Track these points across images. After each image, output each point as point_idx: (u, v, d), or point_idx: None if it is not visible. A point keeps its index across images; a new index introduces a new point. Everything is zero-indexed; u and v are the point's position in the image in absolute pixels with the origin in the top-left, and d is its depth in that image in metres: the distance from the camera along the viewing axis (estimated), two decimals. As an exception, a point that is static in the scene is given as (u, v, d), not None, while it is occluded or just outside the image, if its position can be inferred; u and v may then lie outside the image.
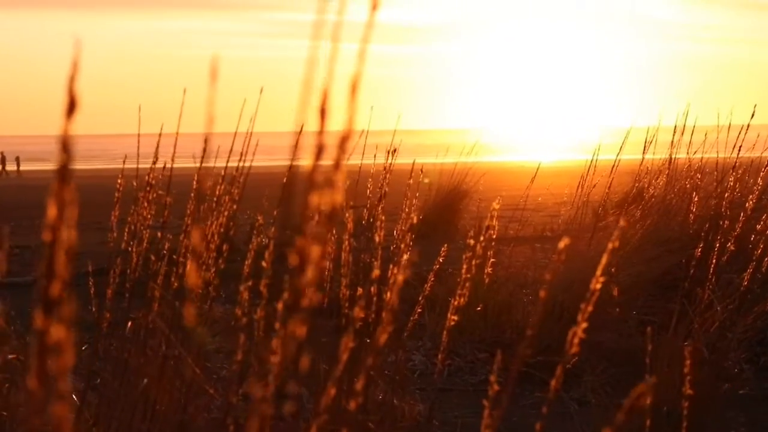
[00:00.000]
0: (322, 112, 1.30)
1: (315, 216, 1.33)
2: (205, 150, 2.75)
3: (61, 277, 1.32)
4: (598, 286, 1.68)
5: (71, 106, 1.32)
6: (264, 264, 2.79)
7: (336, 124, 1.35)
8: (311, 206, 1.32)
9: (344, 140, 1.31)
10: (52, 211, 1.32)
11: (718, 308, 4.20)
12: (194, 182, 2.44)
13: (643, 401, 1.20)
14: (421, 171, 4.04)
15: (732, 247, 4.17)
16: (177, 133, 2.81)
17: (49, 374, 1.11)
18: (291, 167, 3.01)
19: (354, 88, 1.30)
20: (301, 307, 1.35)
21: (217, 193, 2.79)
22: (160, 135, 2.70)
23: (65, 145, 1.32)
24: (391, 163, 3.53)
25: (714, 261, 3.91)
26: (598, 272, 1.63)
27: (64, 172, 1.31)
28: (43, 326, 1.29)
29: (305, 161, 1.77)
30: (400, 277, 1.40)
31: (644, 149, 7.44)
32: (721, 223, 3.98)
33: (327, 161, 1.33)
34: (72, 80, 1.30)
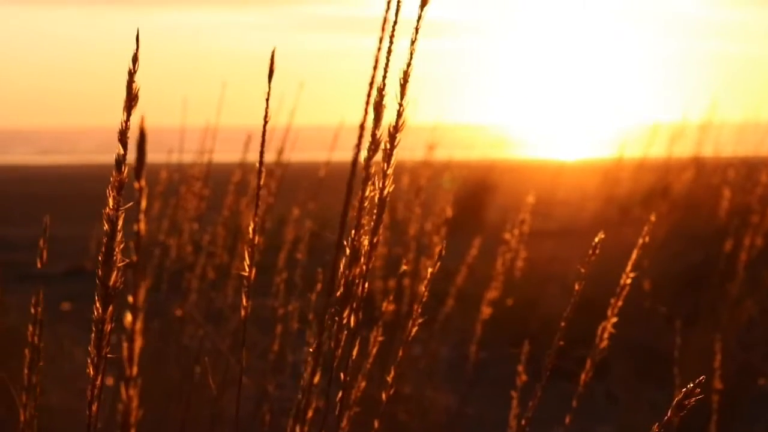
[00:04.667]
0: (378, 107, 1.34)
1: (366, 208, 1.36)
2: (263, 143, 2.80)
3: (117, 267, 1.36)
4: (629, 281, 1.71)
5: (130, 100, 1.36)
6: (298, 256, 2.83)
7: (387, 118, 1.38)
8: (364, 198, 1.35)
9: (395, 133, 1.34)
10: (111, 203, 1.35)
11: (746, 303, 4.22)
12: (235, 175, 2.49)
13: (691, 401, 1.22)
14: (455, 167, 4.05)
15: (760, 243, 4.18)
16: (206, 127, 2.85)
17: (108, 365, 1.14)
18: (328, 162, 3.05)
19: (404, 84, 1.33)
20: (354, 297, 1.39)
21: (259, 184, 2.82)
22: (207, 128, 2.75)
23: (123, 139, 1.36)
24: (429, 159, 3.56)
25: (745, 256, 3.92)
26: (628, 268, 1.66)
27: (121, 164, 1.35)
28: (102, 315, 1.33)
29: (352, 155, 1.80)
30: (430, 270, 1.44)
31: (666, 144, 7.44)
32: (751, 218, 3.99)
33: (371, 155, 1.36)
34: (132, 75, 1.34)
